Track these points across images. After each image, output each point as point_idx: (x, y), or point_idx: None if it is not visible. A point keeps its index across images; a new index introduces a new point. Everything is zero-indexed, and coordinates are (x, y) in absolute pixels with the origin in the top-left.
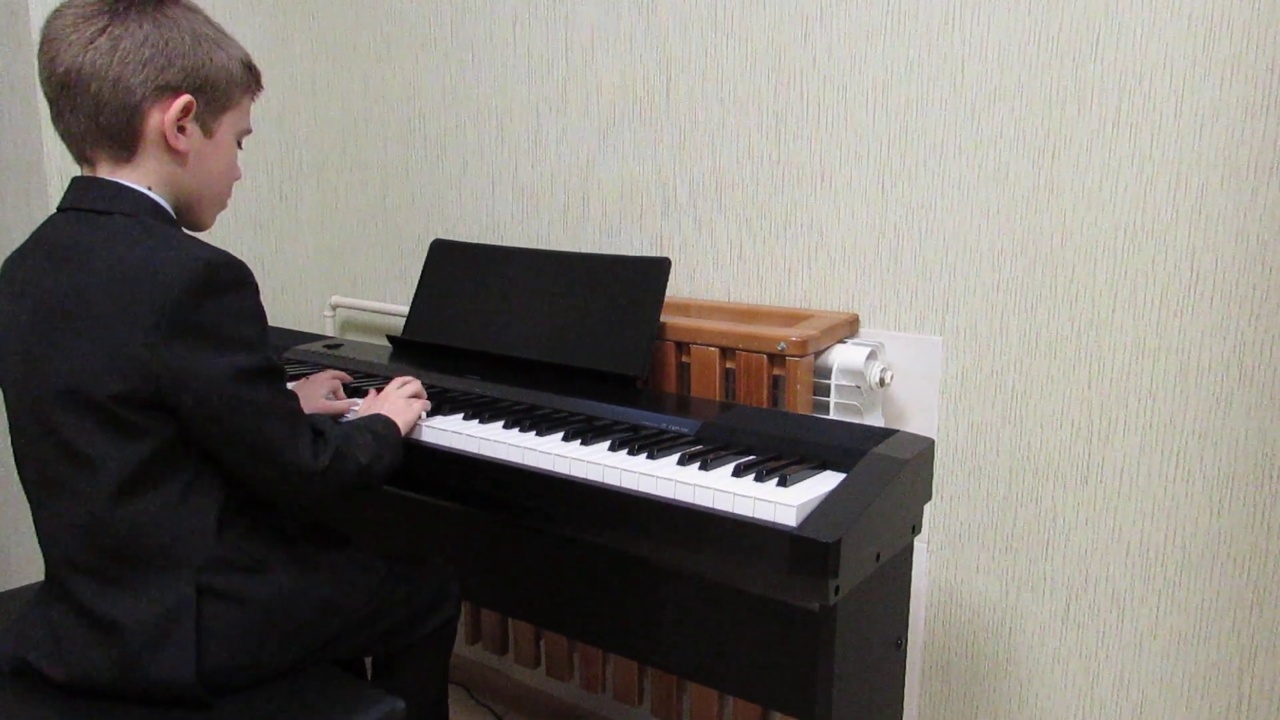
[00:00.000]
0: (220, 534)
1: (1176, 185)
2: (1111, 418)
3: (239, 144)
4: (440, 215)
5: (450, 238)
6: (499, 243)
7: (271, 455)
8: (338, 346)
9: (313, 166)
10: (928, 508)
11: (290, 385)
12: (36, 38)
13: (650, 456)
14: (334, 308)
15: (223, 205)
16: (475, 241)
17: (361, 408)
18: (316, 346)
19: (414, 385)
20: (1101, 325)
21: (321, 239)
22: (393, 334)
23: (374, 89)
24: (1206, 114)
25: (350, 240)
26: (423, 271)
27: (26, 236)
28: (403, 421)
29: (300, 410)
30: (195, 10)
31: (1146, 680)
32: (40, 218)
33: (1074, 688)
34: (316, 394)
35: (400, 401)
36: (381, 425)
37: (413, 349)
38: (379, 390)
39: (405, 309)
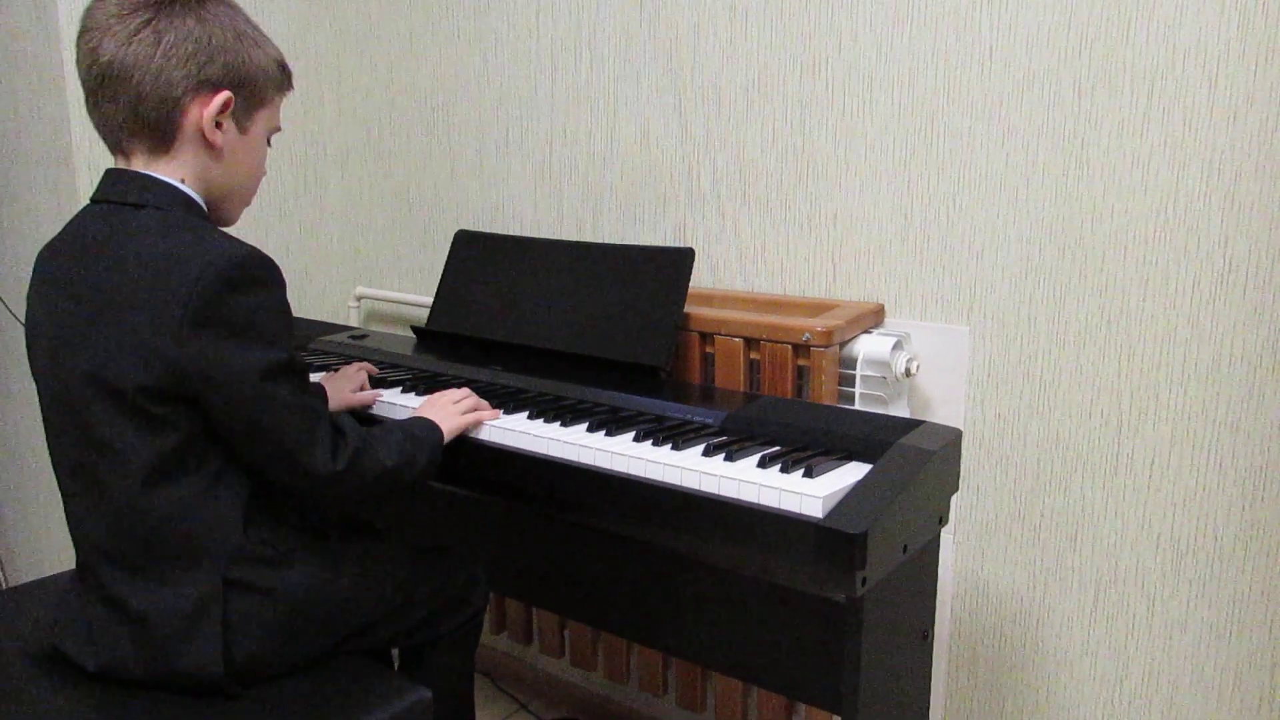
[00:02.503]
0: (246, 527)
1: (1209, 172)
2: (1142, 408)
3: (268, 142)
4: (464, 206)
5: (474, 228)
6: (523, 233)
7: (289, 454)
8: (362, 337)
9: (337, 157)
10: (954, 499)
11: (318, 378)
12: (65, 30)
13: (675, 447)
14: (358, 298)
15: (248, 202)
16: (499, 232)
17: (416, 410)
18: (341, 337)
19: (470, 400)
20: (1132, 314)
21: (346, 230)
22: (417, 324)
23: (398, 79)
24: (1240, 99)
25: (374, 231)
26: (446, 262)
27: (55, 227)
28: (447, 428)
29: (322, 410)
30: (236, 8)
31: (1177, 674)
32: (69, 209)
33: (1102, 680)
34: (344, 388)
35: (449, 408)
36: (421, 428)
37: (437, 340)
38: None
39: (430, 299)
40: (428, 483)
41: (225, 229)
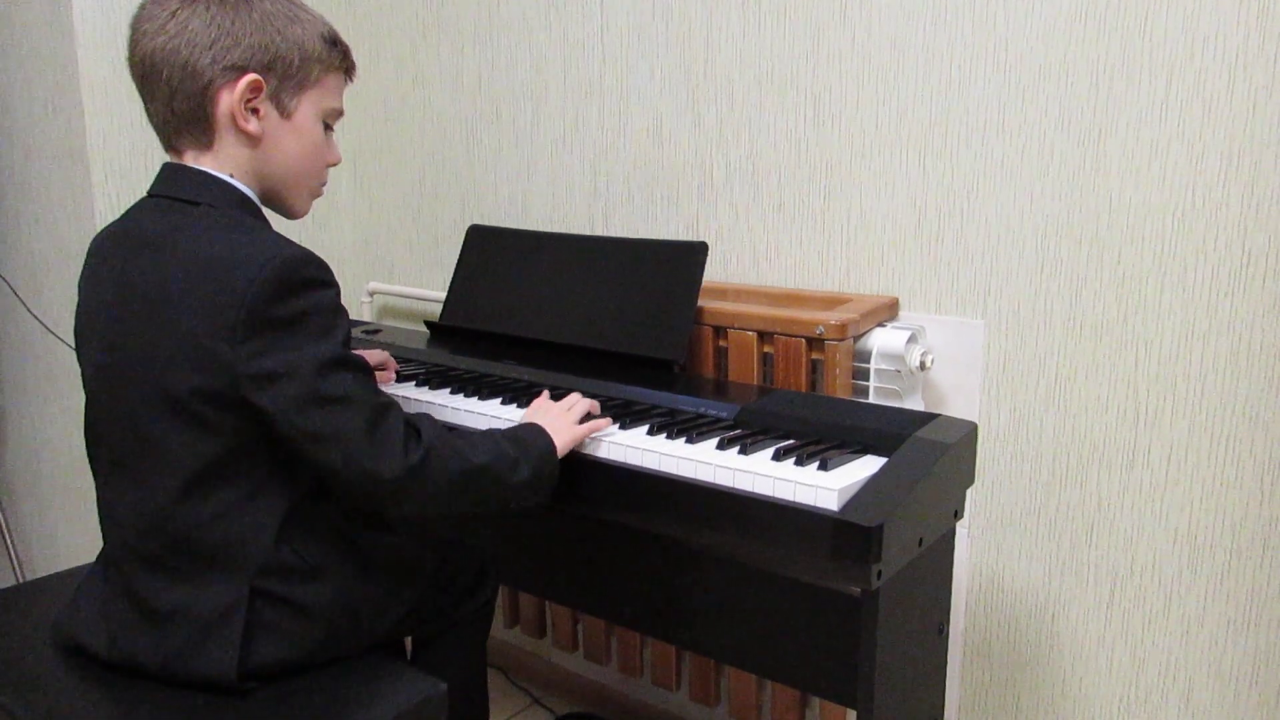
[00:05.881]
0: (279, 539)
1: (1228, 164)
2: (1159, 402)
3: (328, 125)
4: (477, 201)
5: (487, 223)
6: (535, 228)
7: (352, 453)
8: (376, 332)
9: (349, 153)
10: (970, 492)
11: None
12: (80, 27)
13: (689, 440)
14: (371, 294)
15: (316, 191)
16: (512, 227)
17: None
18: (355, 332)
19: (583, 406)
20: (1149, 308)
21: (359, 225)
22: (430, 319)
23: (410, 75)
24: (1260, 90)
25: (387, 226)
26: (459, 257)
27: (71, 224)
28: (561, 440)
29: (389, 403)
30: None
31: (1194, 668)
32: (85, 206)
33: (1119, 675)
34: None
35: (561, 416)
36: (527, 431)
37: (450, 334)
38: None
39: (442, 294)
40: (539, 501)
41: (292, 219)
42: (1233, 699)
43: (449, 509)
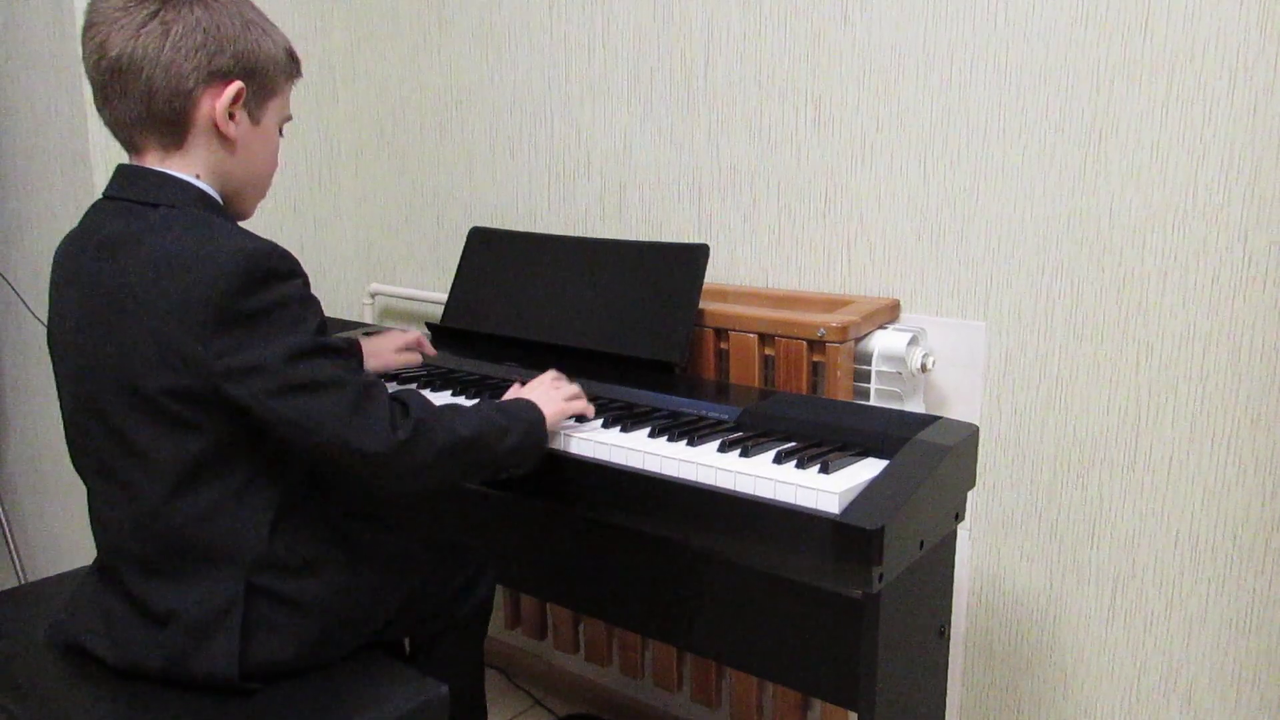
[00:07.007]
0: (272, 534)
1: (1229, 165)
2: (1160, 403)
3: (280, 132)
4: (478, 202)
5: (488, 225)
6: (537, 230)
7: (338, 436)
8: (376, 334)
9: (351, 154)
10: (971, 495)
11: (363, 338)
12: (81, 26)
13: (690, 443)
14: (373, 295)
15: (264, 195)
16: (513, 229)
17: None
18: (356, 334)
19: (571, 387)
20: (1150, 309)
21: (360, 226)
22: (431, 321)
23: (412, 76)
24: (1260, 91)
25: (389, 228)
26: (461, 259)
27: (73, 225)
28: (550, 411)
29: (370, 381)
30: None
31: (1195, 670)
32: (86, 207)
33: (1120, 677)
34: (385, 348)
35: (550, 391)
36: (516, 405)
37: (452, 336)
38: (523, 383)
39: (444, 296)
40: (528, 468)
41: (242, 223)
42: (1234, 700)
43: (441, 480)
